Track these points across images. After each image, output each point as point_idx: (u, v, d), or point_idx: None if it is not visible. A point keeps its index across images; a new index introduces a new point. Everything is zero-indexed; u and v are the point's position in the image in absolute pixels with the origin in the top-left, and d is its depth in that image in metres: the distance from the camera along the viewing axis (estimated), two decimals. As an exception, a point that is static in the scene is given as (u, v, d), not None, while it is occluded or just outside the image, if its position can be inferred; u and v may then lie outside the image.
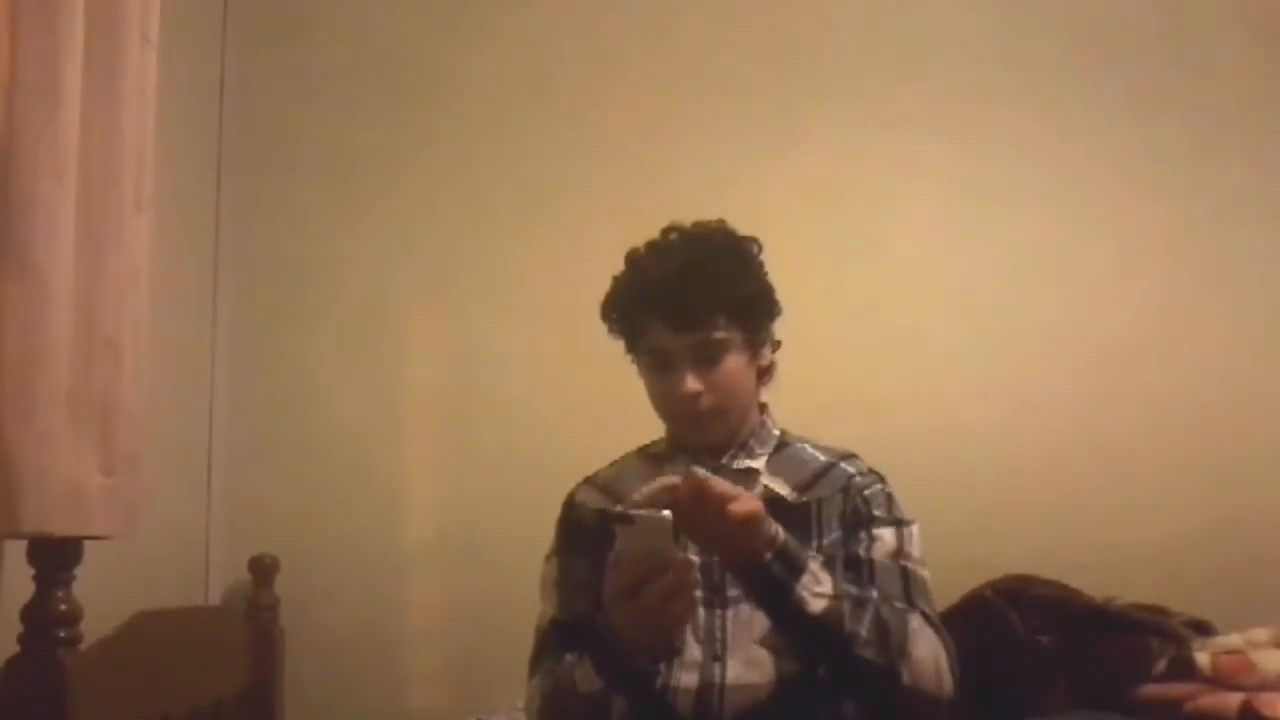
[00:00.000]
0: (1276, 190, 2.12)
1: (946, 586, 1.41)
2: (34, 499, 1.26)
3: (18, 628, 1.35)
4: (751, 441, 1.47)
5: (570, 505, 1.52)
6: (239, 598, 2.13)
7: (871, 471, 1.48)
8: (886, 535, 1.39)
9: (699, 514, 1.16)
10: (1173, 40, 2.18)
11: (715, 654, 1.34)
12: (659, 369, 1.41)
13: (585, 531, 1.46)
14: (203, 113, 2.23)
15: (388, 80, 2.32)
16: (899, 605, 1.31)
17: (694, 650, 1.34)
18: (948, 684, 1.28)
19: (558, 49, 2.31)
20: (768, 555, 1.20)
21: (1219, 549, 1.98)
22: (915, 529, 1.42)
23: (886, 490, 1.45)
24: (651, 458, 1.51)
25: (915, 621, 1.29)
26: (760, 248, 1.46)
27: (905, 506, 1.45)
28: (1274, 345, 2.09)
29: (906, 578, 1.36)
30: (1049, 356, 2.12)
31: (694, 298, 1.38)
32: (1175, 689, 1.57)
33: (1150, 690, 1.60)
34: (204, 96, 2.24)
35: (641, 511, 1.14)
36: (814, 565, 1.24)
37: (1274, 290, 2.11)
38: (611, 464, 1.56)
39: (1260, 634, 1.62)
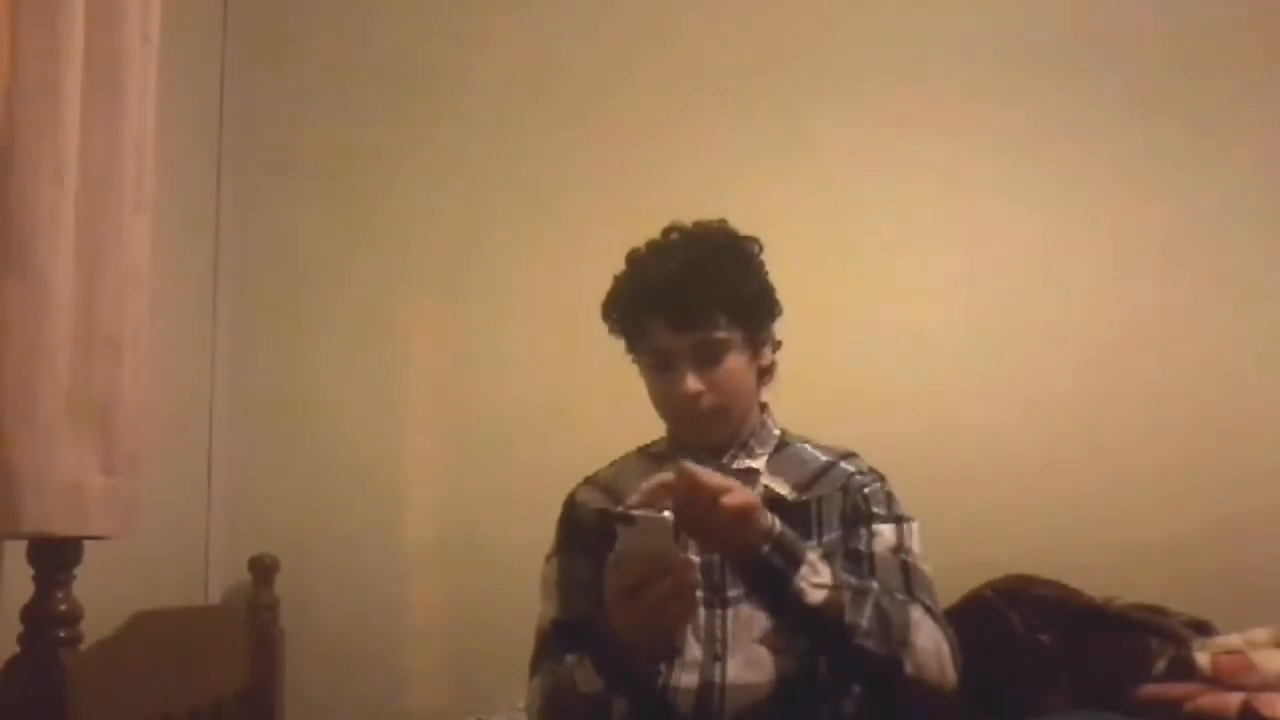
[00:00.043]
0: (1277, 189, 2.12)
1: (946, 586, 1.41)
2: (34, 499, 1.26)
3: (18, 628, 1.34)
4: (752, 441, 1.48)
5: (571, 505, 1.52)
6: (239, 598, 2.13)
7: (871, 470, 1.48)
8: (886, 531, 1.40)
9: (692, 508, 1.16)
10: (1173, 40, 2.18)
11: (716, 653, 1.34)
12: (660, 369, 1.42)
13: (586, 531, 1.46)
14: (203, 113, 2.23)
15: (387, 80, 2.32)
16: (900, 597, 1.31)
17: (694, 650, 1.34)
18: (950, 674, 1.28)
19: (558, 49, 2.31)
20: (765, 547, 1.20)
21: (1219, 549, 1.98)
22: (915, 525, 1.42)
23: (886, 488, 1.46)
24: (652, 458, 1.51)
25: (916, 612, 1.29)
26: (761, 248, 1.46)
27: (905, 505, 1.45)
28: (1274, 345, 2.09)
29: (907, 571, 1.36)
30: (1049, 356, 2.12)
31: (695, 297, 1.38)
32: (1175, 689, 1.57)
33: (1150, 690, 1.60)
34: (204, 96, 2.24)
35: (643, 512, 1.14)
36: (812, 556, 1.24)
37: (1274, 290, 2.10)
38: (612, 464, 1.56)
39: (1260, 634, 1.62)
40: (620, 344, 1.47)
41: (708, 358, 1.39)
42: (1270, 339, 2.09)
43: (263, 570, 2.10)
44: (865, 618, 1.23)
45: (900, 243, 2.19)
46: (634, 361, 1.47)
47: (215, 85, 2.27)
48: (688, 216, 1.46)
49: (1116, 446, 2.08)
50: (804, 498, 1.42)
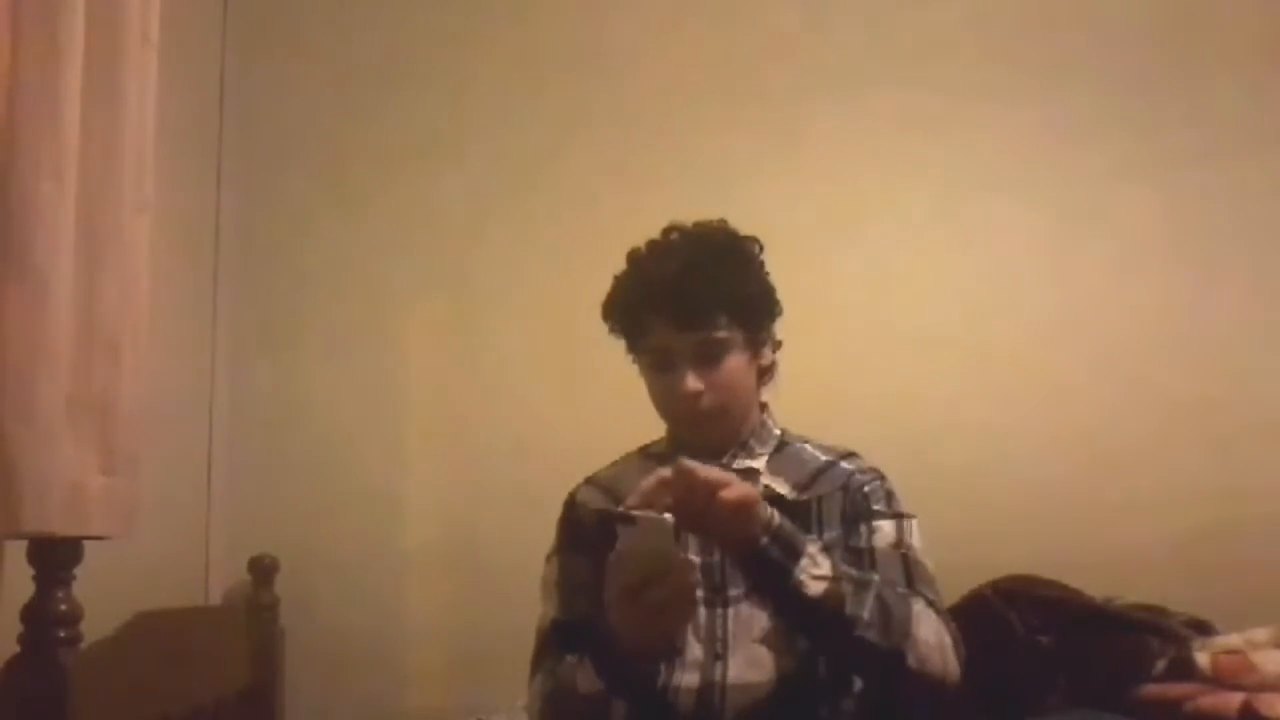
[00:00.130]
0: (1278, 189, 2.12)
1: (947, 586, 1.41)
2: (34, 499, 1.26)
3: (18, 628, 1.35)
4: (752, 441, 1.48)
5: (571, 505, 1.52)
6: (239, 598, 2.13)
7: (871, 469, 1.48)
8: (886, 527, 1.40)
9: (690, 504, 1.16)
10: (1173, 40, 2.18)
11: (716, 653, 1.34)
12: (660, 368, 1.42)
13: (586, 531, 1.45)
14: (203, 113, 2.23)
15: (387, 80, 2.32)
16: (902, 590, 1.31)
17: (695, 649, 1.34)
18: (953, 667, 1.27)
19: (558, 49, 2.31)
20: (764, 540, 1.19)
21: (1219, 549, 1.98)
22: (915, 522, 1.42)
23: (886, 486, 1.46)
24: (652, 458, 1.51)
25: (918, 605, 1.29)
26: (761, 247, 1.46)
27: (905, 503, 1.45)
28: (1276, 345, 2.09)
29: (908, 565, 1.36)
30: (1049, 356, 2.12)
31: (695, 297, 1.38)
32: (1175, 689, 1.57)
33: (1150, 690, 1.59)
34: (204, 96, 2.24)
35: (643, 512, 1.14)
36: (812, 549, 1.23)
37: (1276, 290, 2.10)
38: (612, 464, 1.56)
39: (1260, 634, 1.61)
40: (620, 344, 1.47)
41: (708, 357, 1.39)
42: (1272, 339, 2.09)
43: (263, 570, 2.10)
44: (866, 610, 1.22)
45: (900, 242, 2.19)
46: (634, 361, 1.47)
47: (215, 85, 2.27)
48: (688, 216, 1.46)
49: (1116, 446, 2.08)
50: (804, 497, 1.42)
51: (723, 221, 1.46)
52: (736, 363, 1.41)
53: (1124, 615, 1.73)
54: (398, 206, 2.29)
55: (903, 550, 1.38)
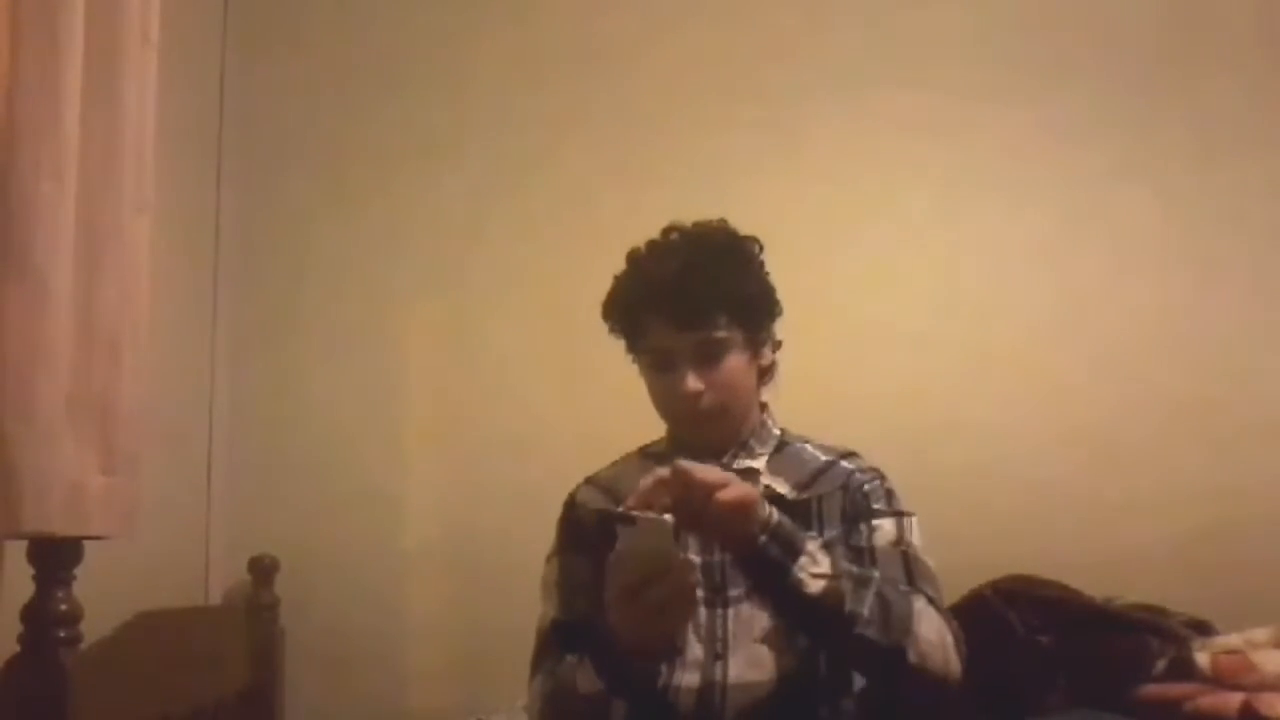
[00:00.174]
0: (1278, 188, 2.12)
1: (947, 586, 1.41)
2: (34, 499, 1.26)
3: (18, 628, 1.35)
4: (752, 441, 1.48)
5: (571, 505, 1.52)
6: (239, 598, 2.13)
7: (871, 468, 1.48)
8: (886, 525, 1.40)
9: (689, 504, 1.16)
10: (1173, 39, 2.18)
11: (717, 653, 1.34)
12: (660, 368, 1.42)
13: (586, 532, 1.45)
14: (203, 113, 2.23)
15: (387, 80, 2.32)
16: (903, 588, 1.31)
17: (695, 649, 1.34)
18: (955, 664, 1.27)
19: (558, 49, 2.31)
20: (762, 539, 1.19)
21: (1219, 549, 1.98)
22: (915, 520, 1.42)
23: (886, 485, 1.46)
24: (652, 458, 1.51)
25: (919, 602, 1.28)
26: (761, 247, 1.46)
27: (905, 502, 1.45)
28: (1275, 345, 2.09)
29: (909, 563, 1.36)
30: (1049, 356, 2.12)
31: (695, 297, 1.38)
32: (1175, 689, 1.57)
33: (1150, 690, 1.60)
34: (204, 96, 2.24)
35: (643, 513, 1.14)
36: (811, 546, 1.23)
37: (1276, 290, 2.10)
38: (612, 464, 1.56)
39: (1260, 634, 1.61)
40: (620, 344, 1.47)
41: (708, 357, 1.39)
42: (1272, 339, 2.09)
43: (263, 570, 2.10)
44: (866, 607, 1.22)
45: (900, 242, 2.19)
46: (634, 361, 1.47)
47: (215, 85, 2.27)
48: (687, 216, 1.46)
49: (1116, 446, 2.08)
50: (804, 496, 1.42)
51: (722, 221, 1.46)
52: (736, 363, 1.41)
53: (1124, 615, 1.73)
54: (397, 206, 2.29)
55: (903, 548, 1.38)
